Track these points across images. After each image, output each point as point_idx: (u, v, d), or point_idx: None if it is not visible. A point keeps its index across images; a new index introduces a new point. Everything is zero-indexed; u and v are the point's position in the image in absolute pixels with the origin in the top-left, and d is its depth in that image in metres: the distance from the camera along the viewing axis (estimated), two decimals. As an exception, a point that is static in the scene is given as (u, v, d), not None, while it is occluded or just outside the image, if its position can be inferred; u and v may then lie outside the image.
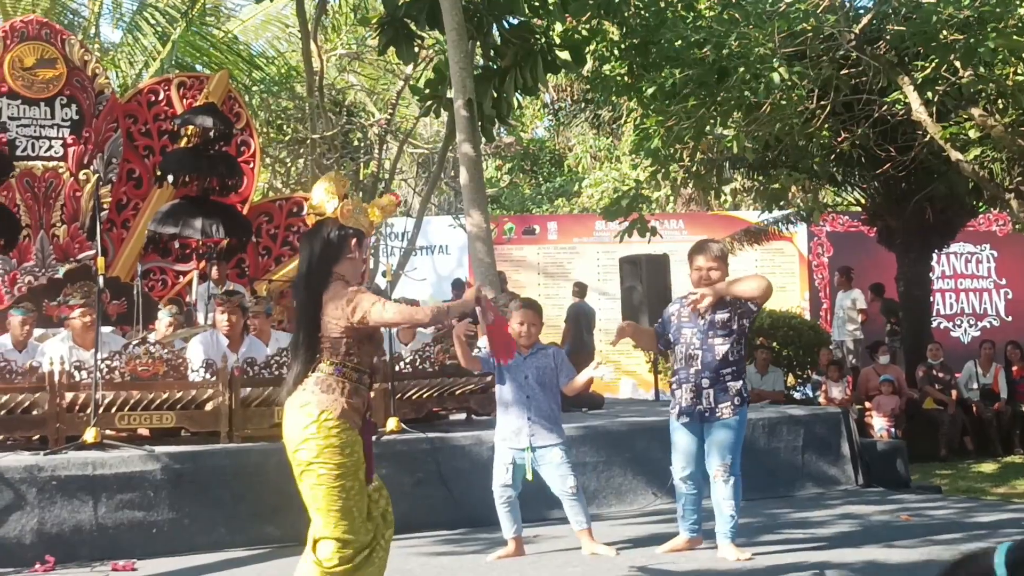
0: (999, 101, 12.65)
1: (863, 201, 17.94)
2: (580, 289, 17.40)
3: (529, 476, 6.90)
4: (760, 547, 7.07)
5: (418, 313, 5.17)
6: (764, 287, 6.73)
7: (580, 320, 16.38)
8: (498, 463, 7.00)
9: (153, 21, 20.34)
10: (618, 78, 13.20)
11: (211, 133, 11.52)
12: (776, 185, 15.06)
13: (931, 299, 18.48)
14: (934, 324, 18.90)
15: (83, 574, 6.71)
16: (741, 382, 6.82)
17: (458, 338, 6.92)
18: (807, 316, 19.27)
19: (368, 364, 5.09)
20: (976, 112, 11.92)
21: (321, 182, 5.25)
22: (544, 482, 6.99)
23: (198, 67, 20.19)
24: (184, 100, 12.83)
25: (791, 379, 16.15)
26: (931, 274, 18.33)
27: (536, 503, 7.57)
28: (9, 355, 8.36)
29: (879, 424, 14.49)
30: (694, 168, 14.30)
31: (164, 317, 10.42)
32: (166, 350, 8.26)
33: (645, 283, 13.40)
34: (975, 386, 16.10)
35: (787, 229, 19.84)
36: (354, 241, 5.09)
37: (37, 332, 9.94)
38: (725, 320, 6.76)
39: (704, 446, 6.84)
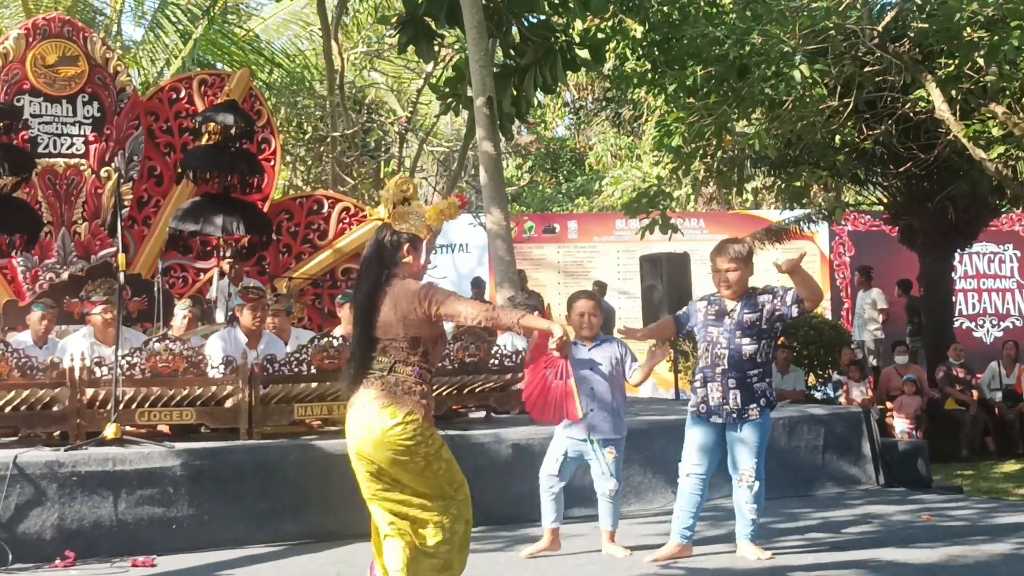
0: (1023, 99, 12.58)
1: (885, 200, 17.87)
2: (600, 288, 17.36)
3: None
4: (780, 546, 7.04)
5: (501, 316, 5.14)
6: (818, 297, 6.68)
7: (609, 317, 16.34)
8: (551, 452, 6.97)
9: (175, 19, 20.41)
10: (640, 73, 13.17)
11: (232, 131, 11.52)
12: (798, 183, 15.01)
13: (953, 299, 18.40)
14: (956, 324, 18.80)
15: (103, 570, 6.71)
16: (766, 383, 6.71)
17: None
18: (828, 316, 19.19)
19: (436, 364, 5.26)
20: (999, 110, 11.86)
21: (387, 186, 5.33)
22: (568, 482, 6.97)
23: (219, 65, 20.24)
24: (205, 98, 12.88)
25: (811, 379, 16.09)
26: (953, 274, 18.25)
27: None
28: (29, 351, 8.38)
29: (901, 425, 14.42)
30: (715, 166, 14.26)
31: (180, 312, 10.44)
32: (186, 347, 8.26)
33: (665, 282, 13.37)
34: (998, 386, 16.02)
35: (808, 228, 19.73)
36: (407, 246, 5.16)
37: (58, 328, 9.97)
38: (754, 320, 6.65)
39: (721, 447, 6.76)
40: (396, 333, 5.03)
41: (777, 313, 6.65)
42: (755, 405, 6.63)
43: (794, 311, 6.64)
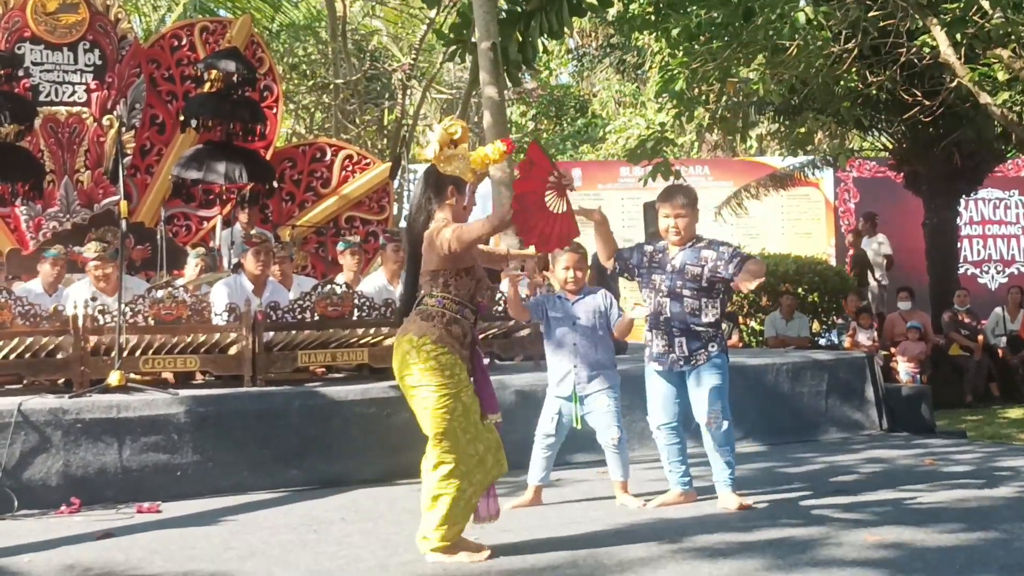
0: (1029, 43, 12.49)
1: (890, 146, 17.81)
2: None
3: (577, 425, 6.81)
4: (783, 491, 7.06)
5: (491, 220, 5.36)
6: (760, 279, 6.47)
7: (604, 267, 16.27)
8: (545, 411, 6.92)
9: (176, -35, 20.24)
10: (643, 17, 13.08)
11: (234, 78, 11.47)
12: (802, 129, 14.95)
13: (958, 245, 18.38)
14: (961, 270, 18.82)
15: (108, 516, 6.74)
16: (715, 336, 6.51)
17: (513, 281, 6.76)
18: (833, 262, 19.18)
19: (468, 297, 5.41)
20: (1005, 54, 11.77)
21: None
22: (571, 428, 6.94)
23: (221, 12, 20.11)
24: (207, 45, 12.81)
25: (816, 325, 16.09)
26: (958, 220, 18.22)
27: (564, 448, 7.56)
28: (39, 299, 8.42)
29: (904, 370, 14.43)
30: (719, 112, 14.19)
31: (192, 260, 10.46)
32: (189, 294, 8.27)
33: (669, 228, 13.33)
34: (1002, 332, 16.02)
35: (813, 175, 19.72)
36: (451, 188, 5.40)
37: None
38: (696, 275, 6.45)
39: (682, 393, 6.59)
40: (425, 268, 5.36)
41: (718, 274, 6.42)
42: (702, 349, 6.49)
43: (734, 279, 6.38)
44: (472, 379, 5.39)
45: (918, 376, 14.32)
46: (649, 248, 6.74)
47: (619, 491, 6.84)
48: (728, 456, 6.54)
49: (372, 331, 8.49)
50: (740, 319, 15.85)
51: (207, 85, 11.80)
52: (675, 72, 12.17)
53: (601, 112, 29.33)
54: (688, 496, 6.73)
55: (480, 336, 9.16)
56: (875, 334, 15.11)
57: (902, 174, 17.61)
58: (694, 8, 11.68)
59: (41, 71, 11.90)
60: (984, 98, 11.90)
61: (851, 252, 17.87)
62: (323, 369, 8.84)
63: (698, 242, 6.57)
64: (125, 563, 5.50)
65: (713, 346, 6.51)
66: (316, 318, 8.37)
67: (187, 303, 8.15)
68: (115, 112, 12.17)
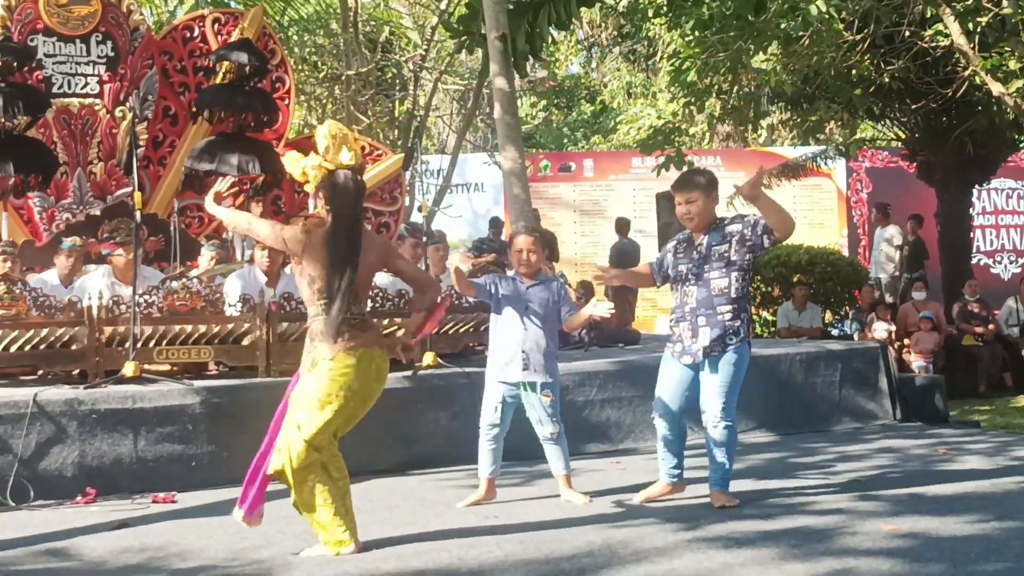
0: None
1: (903, 136, 17.78)
2: (623, 226, 17.16)
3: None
4: (798, 480, 7.07)
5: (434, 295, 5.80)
6: (789, 227, 6.16)
7: (624, 259, 16.17)
8: (487, 400, 6.74)
9: (187, -43, 20.22)
10: (655, 7, 13.08)
11: (246, 69, 11.47)
12: (814, 118, 14.94)
13: (971, 235, 18.35)
14: (974, 260, 18.79)
15: (124, 506, 6.76)
16: (741, 320, 6.30)
17: (456, 268, 6.86)
18: (845, 253, 19.17)
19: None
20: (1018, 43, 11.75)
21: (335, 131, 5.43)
22: (585, 418, 6.90)
23: (232, 3, 20.09)
24: (219, 36, 12.78)
25: (828, 316, 16.08)
26: (971, 210, 18.19)
27: (578, 437, 7.56)
28: (55, 290, 8.42)
29: (917, 361, 14.42)
30: (730, 102, 14.18)
31: (206, 252, 10.47)
32: (203, 285, 8.29)
33: (682, 219, 13.31)
34: (1015, 322, 15.99)
35: (825, 165, 19.68)
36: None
37: (77, 267, 10.00)
38: (722, 252, 6.26)
39: (692, 386, 6.39)
40: (365, 279, 5.48)
41: (748, 243, 6.23)
42: (722, 340, 6.26)
43: (764, 241, 6.22)
44: None
45: (931, 366, 14.31)
46: (672, 244, 6.61)
47: (563, 486, 6.72)
48: (724, 457, 6.32)
49: (386, 321, 8.50)
50: (752, 309, 15.85)
51: (219, 76, 11.81)
52: (686, 63, 12.16)
53: (611, 103, 29.29)
54: (676, 488, 6.58)
55: (477, 327, 9.23)
56: (893, 327, 15.07)
57: (915, 164, 17.58)
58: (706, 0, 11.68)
59: (54, 63, 11.88)
60: (997, 87, 11.88)
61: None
62: (336, 360, 8.83)
63: (721, 222, 6.39)
64: (141, 553, 5.53)
65: (733, 338, 6.27)
66: (330, 309, 8.36)
67: (201, 294, 8.18)
68: (128, 104, 12.17)
